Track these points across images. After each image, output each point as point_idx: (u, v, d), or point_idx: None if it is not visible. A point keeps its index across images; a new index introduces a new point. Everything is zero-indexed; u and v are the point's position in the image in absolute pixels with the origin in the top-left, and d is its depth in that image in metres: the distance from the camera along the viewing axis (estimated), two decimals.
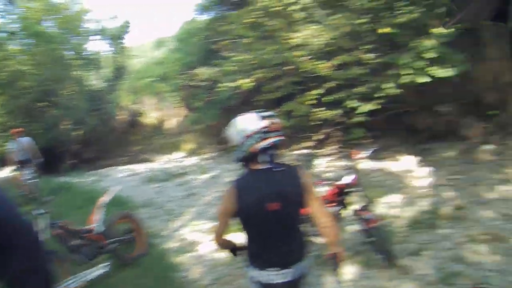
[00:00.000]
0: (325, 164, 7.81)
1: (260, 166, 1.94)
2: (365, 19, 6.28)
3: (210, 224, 5.78)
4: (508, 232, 4.75)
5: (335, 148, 8.24)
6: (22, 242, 1.19)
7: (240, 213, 1.93)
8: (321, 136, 8.02)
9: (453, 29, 5.69)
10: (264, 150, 1.92)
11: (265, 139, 1.90)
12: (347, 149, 7.87)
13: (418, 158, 7.39)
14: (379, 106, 6.54)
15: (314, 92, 6.93)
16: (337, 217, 4.22)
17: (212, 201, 7.08)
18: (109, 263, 4.41)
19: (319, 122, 7.54)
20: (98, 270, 4.16)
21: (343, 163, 7.48)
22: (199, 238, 5.59)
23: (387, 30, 6.13)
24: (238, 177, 2.00)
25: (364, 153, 4.40)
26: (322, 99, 7.00)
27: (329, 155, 8.21)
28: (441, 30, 5.78)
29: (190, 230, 5.94)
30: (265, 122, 1.93)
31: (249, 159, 1.95)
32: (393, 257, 4.17)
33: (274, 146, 1.94)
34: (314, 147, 8.42)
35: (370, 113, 6.85)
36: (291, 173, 1.97)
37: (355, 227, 4.62)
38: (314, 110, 7.11)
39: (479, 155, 6.99)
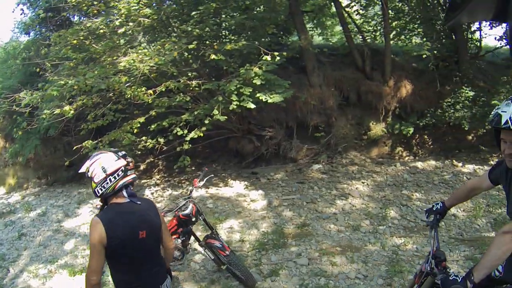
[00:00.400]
0: (154, 194, 8.49)
1: (122, 200, 2.59)
2: (193, 46, 7.20)
3: (50, 268, 6.25)
4: (358, 242, 5.87)
5: (162, 177, 9.25)
6: None
7: (111, 244, 2.45)
8: (147, 166, 9.05)
9: (279, 58, 7.15)
10: (125, 187, 2.60)
11: (125, 176, 2.58)
12: (173, 178, 8.83)
13: (249, 182, 8.41)
14: (202, 134, 7.59)
15: (139, 120, 7.74)
16: (183, 248, 4.79)
17: (45, 241, 7.34)
18: None
19: (144, 151, 8.54)
20: None
21: (172, 192, 8.23)
22: (40, 284, 5.89)
23: (214, 57, 7.18)
24: (102, 212, 2.60)
25: (200, 181, 5.02)
26: (148, 127, 7.87)
27: (156, 184, 9.03)
28: (268, 58, 7.16)
29: (31, 276, 6.17)
30: (124, 161, 2.61)
31: (111, 194, 2.57)
32: (252, 281, 4.71)
33: (132, 182, 2.65)
34: (140, 177, 9.29)
35: (197, 140, 7.90)
36: (149, 205, 2.77)
37: (205, 255, 5.05)
38: (139, 139, 8.02)
39: (310, 174, 8.48)
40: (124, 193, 2.58)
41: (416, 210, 6.82)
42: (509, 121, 2.14)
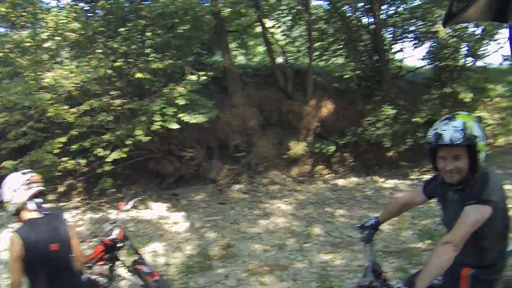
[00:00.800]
0: (75, 217, 8.26)
1: (32, 215, 2.90)
2: (119, 63, 7.41)
3: None
4: (285, 260, 6.17)
5: (82, 199, 9.16)
6: None
7: (27, 258, 2.75)
8: (66, 188, 9.04)
9: (204, 78, 7.57)
10: (31, 198, 2.91)
11: (29, 189, 2.90)
12: (93, 201, 8.79)
13: (169, 204, 8.55)
14: (125, 155, 7.78)
15: (60, 139, 7.74)
16: (110, 275, 4.74)
17: None
18: None
19: (64, 172, 8.46)
20: None
21: (93, 215, 8.17)
22: None
23: (139, 75, 7.41)
24: (19, 227, 2.86)
25: (127, 204, 5.07)
26: (69, 147, 7.89)
27: (76, 207, 8.84)
28: (192, 77, 7.54)
29: None
30: (27, 176, 2.97)
31: (20, 209, 2.89)
32: None
33: (39, 194, 2.96)
34: (59, 200, 9.18)
35: (117, 161, 8.00)
36: (58, 217, 3.08)
37: (133, 282, 5.16)
38: (60, 160, 7.93)
39: (231, 195, 8.78)
40: (33, 205, 2.90)
41: (341, 226, 7.33)
42: (452, 138, 2.46)
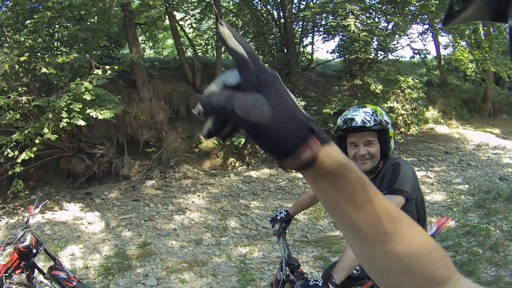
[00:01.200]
0: None
1: None
2: (24, 58, 7.23)
3: None
4: (203, 256, 6.71)
5: None
6: None
7: None
8: None
9: (110, 72, 7.72)
10: None
11: None
12: (8, 205, 8.74)
13: (83, 204, 8.69)
14: (33, 155, 7.78)
15: None
16: (29, 283, 4.74)
17: None
18: None
19: None
20: None
21: (9, 220, 8.12)
22: None
23: (46, 70, 7.35)
24: None
25: (36, 208, 5.08)
26: None
27: None
28: (99, 72, 7.68)
29: None
30: None
31: None
32: None
33: None
34: None
35: (29, 161, 8.02)
36: None
37: None
38: None
39: (144, 191, 9.12)
40: None
41: (256, 218, 8.03)
42: (365, 121, 2.58)
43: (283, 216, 3.49)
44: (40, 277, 4.91)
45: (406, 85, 11.51)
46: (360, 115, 2.62)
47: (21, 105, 7.62)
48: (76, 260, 6.53)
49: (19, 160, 7.67)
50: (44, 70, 7.23)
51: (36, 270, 4.86)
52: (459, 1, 0.64)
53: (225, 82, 0.68)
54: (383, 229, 0.70)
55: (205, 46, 12.41)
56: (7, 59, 7.10)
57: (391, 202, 0.74)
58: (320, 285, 2.52)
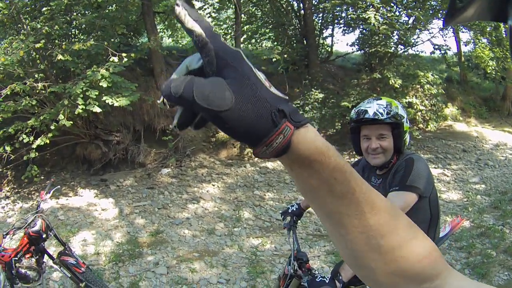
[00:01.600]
0: (5, 208, 8.18)
1: None
2: (40, 44, 7.24)
3: None
4: (215, 246, 6.63)
5: (12, 188, 8.97)
6: None
7: None
8: None
9: (126, 60, 7.68)
10: None
11: None
12: (23, 190, 8.80)
13: (97, 190, 8.68)
14: (48, 141, 7.81)
15: None
16: (38, 268, 4.80)
17: None
18: None
19: None
20: None
21: (23, 205, 8.21)
22: None
23: (62, 57, 7.34)
24: None
25: (47, 193, 5.10)
26: None
27: (6, 197, 8.68)
28: (115, 59, 7.64)
29: None
30: None
31: None
32: None
33: None
34: None
35: (44, 147, 8.07)
36: None
37: (61, 274, 5.07)
38: None
39: (159, 179, 9.07)
40: None
41: (270, 209, 7.92)
42: (377, 113, 2.46)
43: (294, 209, 3.40)
44: (50, 262, 4.96)
45: (426, 80, 11.27)
46: (374, 107, 2.49)
47: (37, 91, 7.61)
48: (87, 246, 6.52)
49: (34, 146, 7.70)
50: (60, 57, 7.22)
51: (45, 255, 4.88)
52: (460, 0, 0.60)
53: (188, 66, 0.64)
54: (365, 222, 0.65)
55: (224, 36, 12.20)
56: (23, 46, 7.09)
57: (376, 191, 0.68)
58: (327, 282, 2.49)
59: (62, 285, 5.39)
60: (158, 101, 0.66)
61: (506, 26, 0.60)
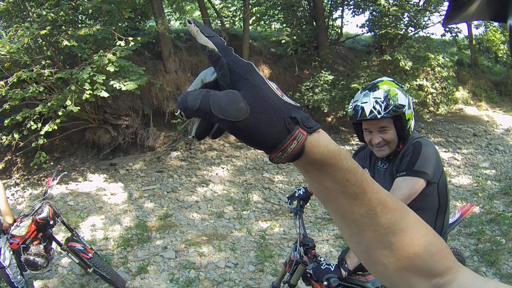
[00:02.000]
0: (14, 195, 8.21)
1: None
2: (45, 31, 7.20)
3: None
4: (223, 229, 6.57)
5: (22, 175, 9.03)
6: None
7: None
8: (5, 164, 8.95)
9: (133, 44, 7.58)
10: None
11: None
12: (33, 176, 8.79)
13: (107, 174, 8.65)
14: (56, 127, 7.83)
15: None
16: (47, 255, 4.83)
17: None
18: None
19: (1, 148, 8.50)
20: None
21: (32, 191, 8.19)
22: None
23: (69, 43, 7.26)
24: None
25: (54, 179, 5.10)
26: (1, 122, 7.92)
27: (16, 184, 8.73)
28: (121, 43, 7.54)
29: None
30: None
31: None
32: (121, 282, 4.95)
33: None
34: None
35: (53, 133, 8.10)
36: None
37: (70, 260, 5.11)
38: None
39: (169, 162, 8.99)
40: None
41: (279, 192, 7.83)
42: (374, 111, 2.32)
43: (301, 193, 3.33)
44: (58, 249, 4.99)
45: (436, 63, 10.98)
46: (370, 102, 2.34)
47: (44, 78, 7.58)
48: (96, 231, 6.52)
49: (42, 132, 7.72)
50: (66, 43, 7.15)
51: (53, 242, 4.91)
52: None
53: (203, 80, 0.66)
54: (377, 220, 0.68)
55: (232, 18, 12.06)
56: (28, 33, 7.02)
57: (386, 191, 0.70)
58: (332, 269, 2.46)
59: (71, 271, 5.40)
60: (177, 114, 0.69)
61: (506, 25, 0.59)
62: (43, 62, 7.60)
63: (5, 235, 4.35)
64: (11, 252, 4.36)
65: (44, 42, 7.72)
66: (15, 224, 4.49)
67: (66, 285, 5.24)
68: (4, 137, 8.01)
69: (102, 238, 6.28)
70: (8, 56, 7.26)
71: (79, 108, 7.47)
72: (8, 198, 8.08)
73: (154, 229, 6.48)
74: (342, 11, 12.39)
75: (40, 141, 7.84)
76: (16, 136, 8.02)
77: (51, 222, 4.72)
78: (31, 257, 4.68)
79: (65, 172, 6.44)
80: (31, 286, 4.89)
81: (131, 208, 7.20)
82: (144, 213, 6.99)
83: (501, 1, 0.58)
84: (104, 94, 7.32)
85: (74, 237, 4.84)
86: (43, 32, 7.07)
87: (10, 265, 4.23)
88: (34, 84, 7.60)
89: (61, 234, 5.63)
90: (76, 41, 7.29)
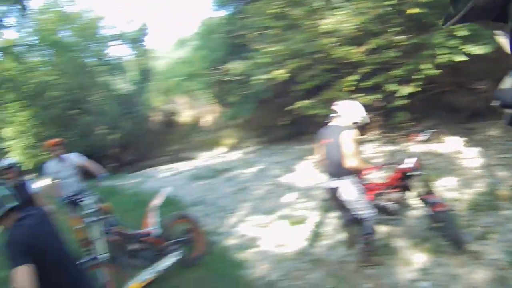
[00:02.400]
0: (372, 150, 9.17)
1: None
2: (392, 1, 7.46)
3: (267, 218, 7.38)
4: None
5: (377, 133, 9.96)
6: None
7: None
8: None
9: None
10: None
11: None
12: (389, 134, 9.55)
13: (464, 138, 8.79)
14: (419, 88, 7.97)
15: (350, 78, 8.43)
16: (401, 203, 5.21)
17: (265, 195, 8.78)
18: (182, 251, 5.40)
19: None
20: (172, 258, 5.18)
21: (388, 147, 8.96)
22: (258, 233, 6.93)
23: (415, 10, 7.32)
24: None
25: (422, 136, 5.45)
26: (360, 84, 8.52)
27: (372, 140, 9.73)
28: None
29: (248, 225, 7.37)
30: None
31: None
32: (462, 243, 4.96)
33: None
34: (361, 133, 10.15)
35: (412, 95, 8.26)
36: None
37: (420, 212, 5.62)
38: (353, 96, 8.30)
39: None
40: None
41: None
42: None
43: None
44: (410, 201, 5.38)
45: None
46: None
47: (398, 43, 7.91)
48: (448, 191, 6.67)
49: (400, 94, 8.04)
50: (411, 11, 7.32)
51: (408, 192, 5.21)
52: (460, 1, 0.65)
53: None
54: None
55: None
56: (376, 4, 7.49)
57: None
58: None
59: (417, 224, 5.75)
60: (493, 103, 0.67)
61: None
62: (391, 30, 7.95)
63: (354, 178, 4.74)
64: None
65: (394, 10, 7.88)
66: (374, 171, 5.11)
67: (410, 235, 5.54)
68: (366, 97, 8.35)
69: (452, 199, 6.35)
70: (360, 27, 7.81)
71: (438, 71, 7.58)
72: (365, 151, 8.99)
73: (504, 198, 6.16)
74: None
75: (400, 102, 8.14)
76: (373, 97, 8.44)
77: (415, 173, 5.01)
78: (383, 202, 5.07)
79: (434, 130, 6.66)
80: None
81: (484, 174, 7.09)
82: (496, 181, 6.75)
83: (502, 2, 0.59)
84: (462, 58, 7.27)
85: (431, 191, 5.09)
86: (387, 2, 7.39)
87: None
88: (389, 49, 8.01)
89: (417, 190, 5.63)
90: (423, 8, 7.32)
